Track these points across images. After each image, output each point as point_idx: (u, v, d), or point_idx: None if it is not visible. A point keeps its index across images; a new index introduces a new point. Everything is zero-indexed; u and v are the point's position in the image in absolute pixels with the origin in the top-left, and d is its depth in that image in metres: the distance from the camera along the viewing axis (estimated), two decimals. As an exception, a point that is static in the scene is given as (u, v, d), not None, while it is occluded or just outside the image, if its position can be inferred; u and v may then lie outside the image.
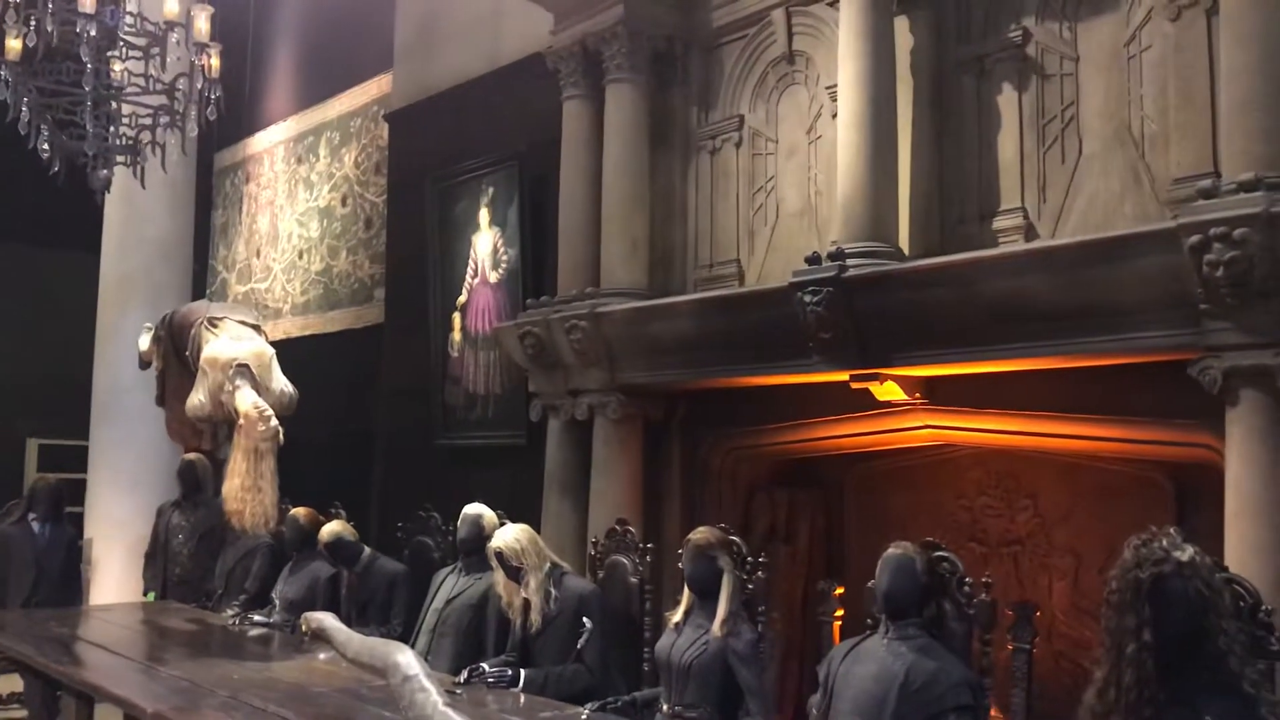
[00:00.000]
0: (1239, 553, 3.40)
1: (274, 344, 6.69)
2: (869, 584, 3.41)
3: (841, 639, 5.35)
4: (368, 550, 5.36)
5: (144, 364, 5.80)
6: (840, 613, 5.40)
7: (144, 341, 5.72)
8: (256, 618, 5.34)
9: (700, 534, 3.77)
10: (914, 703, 2.97)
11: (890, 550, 3.23)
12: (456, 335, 7.36)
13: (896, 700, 2.97)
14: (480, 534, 4.57)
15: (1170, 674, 2.45)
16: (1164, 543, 2.54)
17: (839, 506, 6.02)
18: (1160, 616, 2.45)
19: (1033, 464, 5.21)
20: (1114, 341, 3.98)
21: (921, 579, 3.18)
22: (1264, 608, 2.67)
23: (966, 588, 3.28)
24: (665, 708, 3.67)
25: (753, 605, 3.77)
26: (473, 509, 4.69)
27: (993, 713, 3.57)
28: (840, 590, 5.38)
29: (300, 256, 9.13)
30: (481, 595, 4.47)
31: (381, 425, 8.03)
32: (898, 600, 3.14)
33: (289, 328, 8.98)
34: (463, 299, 7.29)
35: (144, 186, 5.74)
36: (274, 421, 4.85)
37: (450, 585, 4.61)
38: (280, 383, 5.26)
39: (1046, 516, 5.18)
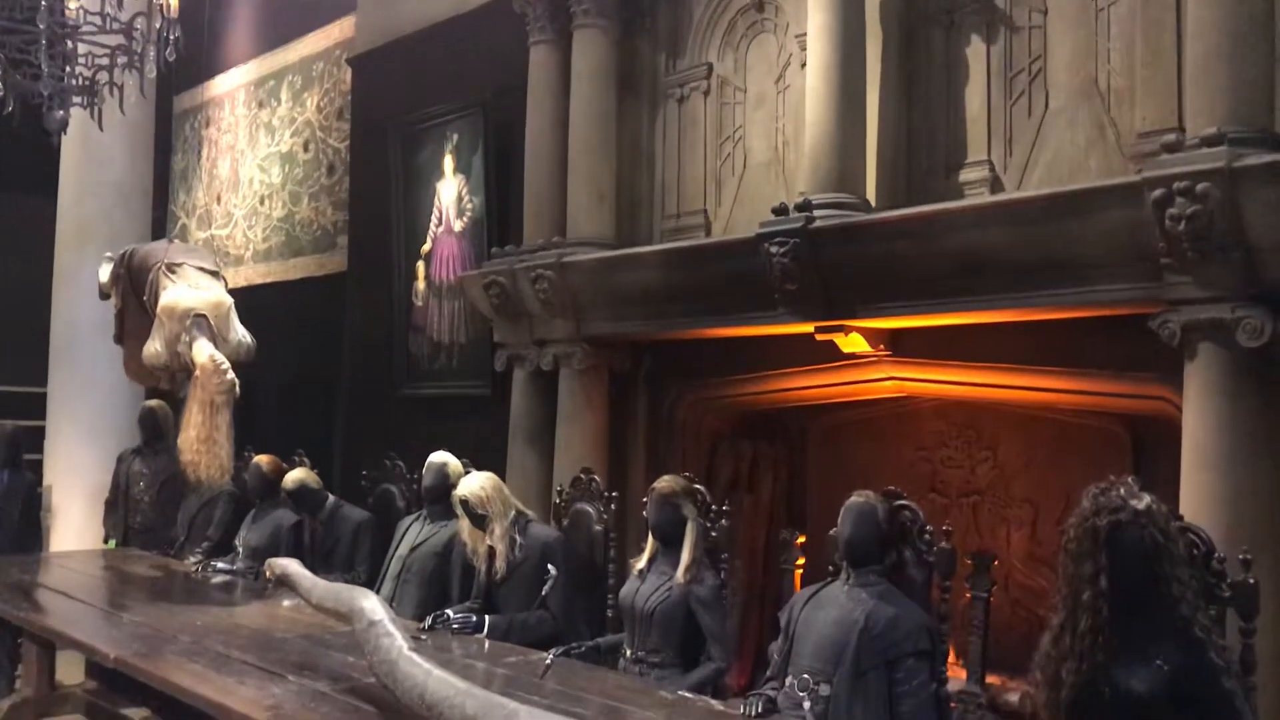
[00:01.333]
0: (1193, 502, 3.47)
1: (235, 292, 6.61)
2: (831, 532, 3.44)
3: (802, 587, 5.44)
4: (332, 498, 5.35)
5: (104, 295, 5.70)
6: (801, 562, 5.47)
7: (104, 272, 5.61)
8: (219, 565, 5.33)
9: (665, 482, 3.79)
10: (873, 647, 3.02)
11: (852, 499, 3.26)
12: (420, 284, 7.30)
13: (856, 645, 3.02)
14: (445, 482, 4.57)
15: (1124, 620, 2.50)
16: (1121, 491, 2.57)
17: (801, 458, 6.08)
18: (1116, 564, 2.49)
19: (993, 416, 5.27)
20: (1076, 294, 4.02)
21: (883, 527, 3.22)
22: (1216, 555, 2.73)
23: (927, 536, 3.33)
24: (629, 653, 3.70)
25: (716, 553, 3.81)
26: (438, 457, 4.68)
27: (950, 659, 3.63)
28: (802, 539, 5.44)
29: (261, 203, 9.00)
30: (446, 543, 4.48)
31: (345, 374, 7.98)
32: (859, 548, 3.17)
33: (250, 275, 8.88)
34: (427, 247, 7.23)
35: (101, 129, 5.61)
36: (230, 375, 4.80)
37: (415, 533, 4.61)
38: (238, 333, 5.20)
39: (1005, 468, 5.25)
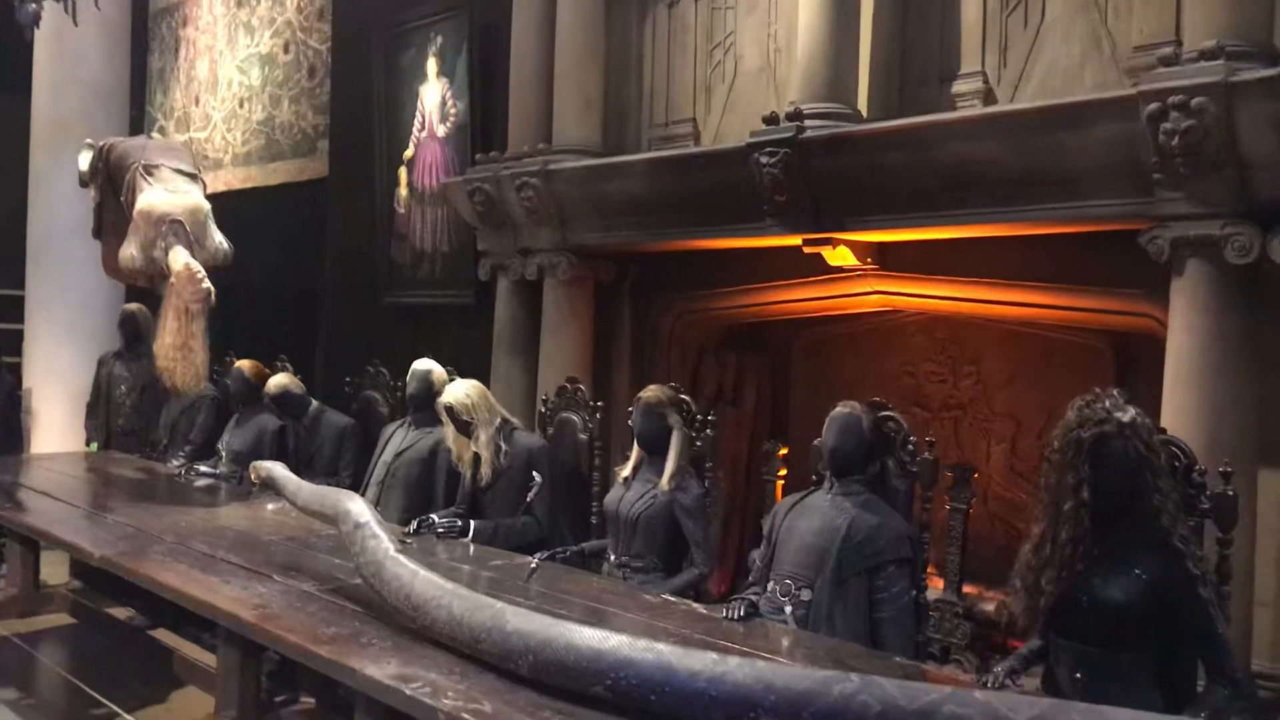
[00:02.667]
0: (1175, 416, 3.50)
1: (214, 196, 6.49)
2: (816, 441, 3.46)
3: (784, 497, 5.50)
4: (315, 403, 5.33)
5: (83, 184, 5.59)
6: (783, 473, 5.51)
7: (83, 160, 5.48)
8: (202, 469, 5.33)
9: (651, 392, 3.80)
10: (855, 555, 3.05)
11: (838, 409, 3.27)
12: (403, 190, 7.21)
13: (838, 552, 3.05)
14: (430, 389, 4.56)
15: (1104, 530, 2.53)
16: (1106, 404, 2.59)
17: (785, 371, 6.10)
18: (1099, 475, 2.52)
19: (977, 331, 5.29)
20: (1067, 209, 4.00)
21: (867, 437, 3.23)
22: (1197, 468, 2.75)
23: (910, 446, 3.35)
24: (613, 558, 3.74)
25: (700, 462, 3.83)
26: (422, 364, 4.66)
27: (928, 569, 3.68)
28: (784, 451, 5.48)
29: (241, 105, 8.82)
30: (430, 449, 4.49)
31: (326, 281, 7.91)
32: (843, 457, 3.19)
33: (230, 179, 8.74)
34: (409, 153, 7.12)
35: (75, 24, 5.48)
36: (206, 283, 4.73)
37: (399, 439, 4.61)
38: (215, 239, 5.11)
39: (988, 382, 5.28)
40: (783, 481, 5.51)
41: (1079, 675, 2.54)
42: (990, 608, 4.77)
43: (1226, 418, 3.59)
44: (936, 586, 3.80)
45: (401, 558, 2.83)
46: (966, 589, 4.04)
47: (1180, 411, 3.55)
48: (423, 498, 4.43)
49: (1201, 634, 2.50)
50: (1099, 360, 4.91)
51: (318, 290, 7.95)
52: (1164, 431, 2.80)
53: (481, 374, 5.57)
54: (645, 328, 5.99)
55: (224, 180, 8.64)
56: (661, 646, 2.27)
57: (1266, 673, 3.58)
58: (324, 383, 6.97)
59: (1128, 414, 2.56)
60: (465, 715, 2.21)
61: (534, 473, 4.04)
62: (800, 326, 5.92)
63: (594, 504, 4.29)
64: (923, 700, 2.02)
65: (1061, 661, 2.61)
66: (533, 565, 3.51)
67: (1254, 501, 3.63)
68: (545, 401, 4.66)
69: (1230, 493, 2.70)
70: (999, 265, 4.64)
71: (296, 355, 6.26)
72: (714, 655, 2.24)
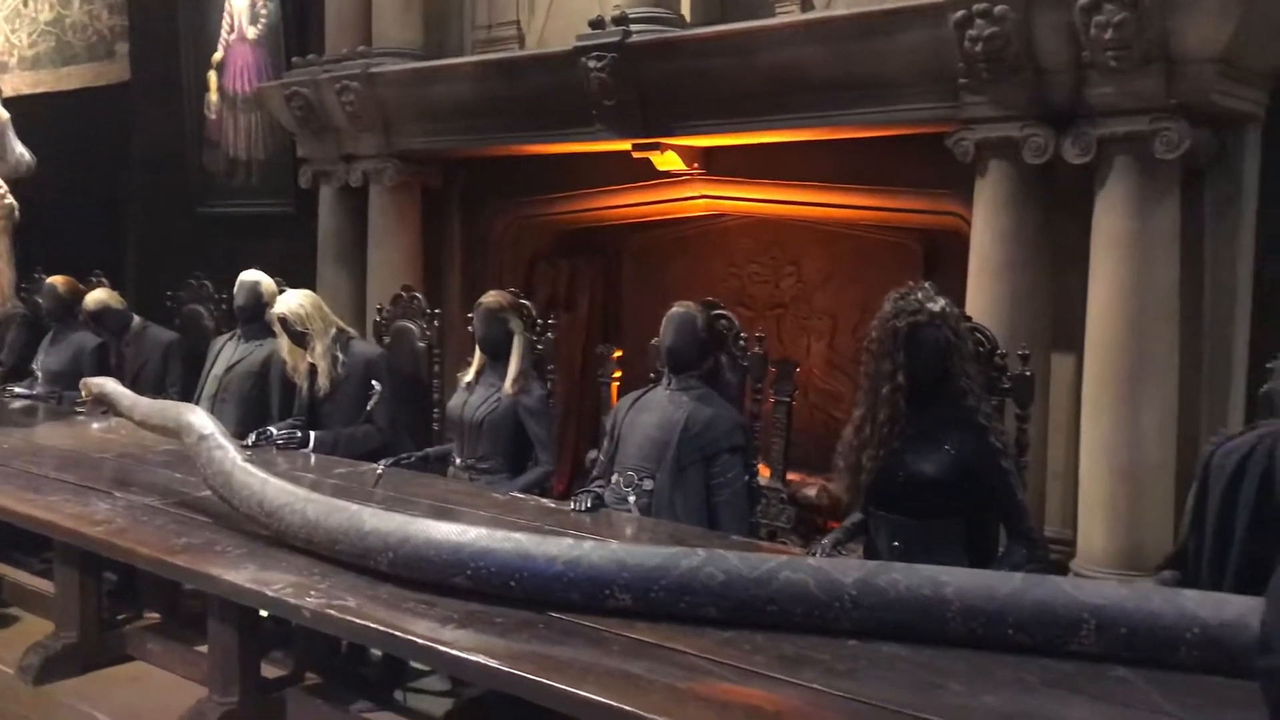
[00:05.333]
0: (979, 306, 3.79)
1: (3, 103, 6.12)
2: (653, 340, 3.59)
3: (621, 398, 5.65)
4: (137, 319, 5.15)
5: None
6: (619, 375, 5.66)
7: None
8: (17, 390, 5.10)
9: (491, 297, 3.84)
10: (693, 445, 3.22)
11: (674, 308, 3.40)
12: (213, 96, 6.92)
13: (678, 444, 3.21)
14: (259, 300, 4.47)
15: (918, 411, 2.76)
16: (918, 295, 2.79)
17: (617, 275, 6.23)
18: (913, 360, 2.73)
19: (797, 233, 5.52)
20: (881, 114, 4.21)
21: (701, 335, 3.37)
22: (999, 353, 3.01)
23: (741, 343, 3.52)
24: (458, 461, 3.81)
25: (541, 364, 3.91)
26: (249, 275, 4.56)
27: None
28: (619, 354, 5.62)
29: (25, 3, 8.22)
30: (263, 361, 4.41)
31: (134, 192, 7.56)
32: (680, 354, 3.33)
33: (17, 84, 8.15)
34: (219, 56, 6.82)
35: None
36: (9, 199, 4.48)
37: (229, 353, 4.52)
38: (16, 150, 4.82)
39: (808, 282, 5.54)
40: (618, 384, 5.67)
41: (896, 544, 2.78)
42: (812, 493, 5.08)
43: (1024, 307, 3.91)
44: (764, 474, 4.03)
45: (250, 466, 2.84)
46: (791, 476, 4.29)
47: (983, 302, 3.84)
48: (257, 411, 4.37)
49: (1003, 500, 2.77)
50: (909, 258, 5.22)
51: (124, 201, 7.58)
52: (970, 319, 3.03)
53: (306, 285, 5.45)
54: (476, 235, 6.00)
55: (10, 84, 8.06)
56: (519, 536, 2.38)
57: (1057, 537, 3.97)
58: (139, 296, 6.70)
59: (938, 304, 2.77)
60: (330, 611, 2.27)
61: (373, 381, 4.05)
62: (630, 231, 6.03)
63: (435, 410, 4.33)
64: (761, 568, 2.20)
65: (880, 532, 2.85)
66: (378, 472, 3.55)
67: (1048, 383, 3.99)
68: (381, 310, 4.64)
69: (1027, 374, 2.97)
70: (817, 169, 4.85)
71: (105, 268, 5.99)
72: (570, 540, 2.37)
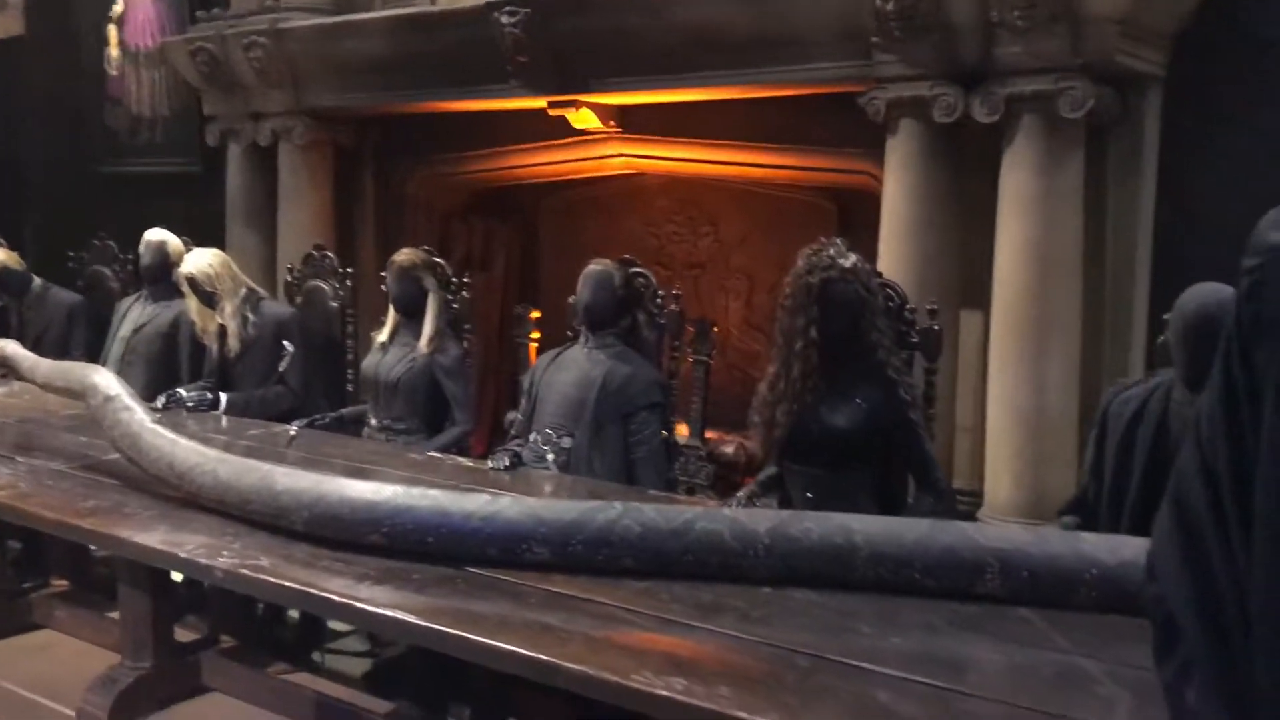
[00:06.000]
0: (890, 262, 3.86)
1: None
2: (570, 299, 3.59)
3: (538, 358, 5.64)
4: (38, 280, 4.98)
5: None
6: (536, 335, 5.65)
7: None
8: (-89, 356, 4.91)
9: (404, 255, 3.80)
10: (611, 402, 3.23)
11: (590, 266, 3.40)
12: (114, 51, 6.70)
13: (596, 401, 3.22)
14: (165, 260, 4.36)
15: (831, 365, 2.80)
16: (831, 251, 2.83)
17: (533, 234, 6.20)
18: (826, 316, 2.77)
19: (714, 192, 5.55)
20: (795, 72, 4.24)
21: (619, 292, 3.38)
22: (908, 307, 3.07)
23: (658, 300, 3.53)
24: (374, 422, 3.77)
25: (458, 323, 3.89)
26: (155, 235, 4.44)
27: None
28: (536, 314, 5.61)
29: (-90, -48, 7.85)
30: (171, 323, 4.31)
31: (29, 151, 7.29)
32: (597, 312, 3.33)
33: (-103, 37, 7.80)
34: (119, 9, 6.61)
35: None
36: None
37: (136, 314, 4.40)
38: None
39: (725, 241, 5.57)
40: (535, 344, 5.66)
41: (810, 495, 2.84)
42: (730, 450, 5.14)
43: (934, 264, 3.99)
44: (682, 433, 4.07)
45: (158, 428, 2.78)
46: (709, 434, 4.33)
47: (894, 259, 3.91)
48: (166, 373, 4.28)
49: (912, 451, 2.84)
50: (824, 217, 5.27)
51: (18, 160, 7.31)
52: (881, 275, 3.08)
53: (215, 245, 5.34)
54: (389, 194, 5.92)
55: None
56: (435, 492, 2.37)
57: (965, 490, 4.07)
58: (38, 258, 6.48)
59: (850, 260, 2.81)
60: (244, 571, 2.25)
61: (285, 342, 3.99)
62: (547, 190, 6.00)
63: (349, 371, 4.28)
64: (678, 520, 2.22)
65: (794, 484, 2.90)
66: (292, 433, 3.51)
67: (957, 339, 4.08)
68: (292, 270, 4.56)
69: (935, 328, 3.03)
70: (734, 127, 4.87)
71: (3, 231, 5.78)
72: (486, 496, 2.37)
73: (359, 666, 3.44)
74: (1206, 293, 2.22)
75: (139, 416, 2.82)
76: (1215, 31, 3.87)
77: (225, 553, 2.34)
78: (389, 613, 2.03)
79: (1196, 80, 3.92)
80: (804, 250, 2.88)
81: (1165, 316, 2.66)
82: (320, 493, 2.42)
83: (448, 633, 1.94)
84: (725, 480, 4.91)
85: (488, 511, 2.29)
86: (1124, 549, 2.03)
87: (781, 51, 4.22)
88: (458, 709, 3.03)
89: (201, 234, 5.15)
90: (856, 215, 5.05)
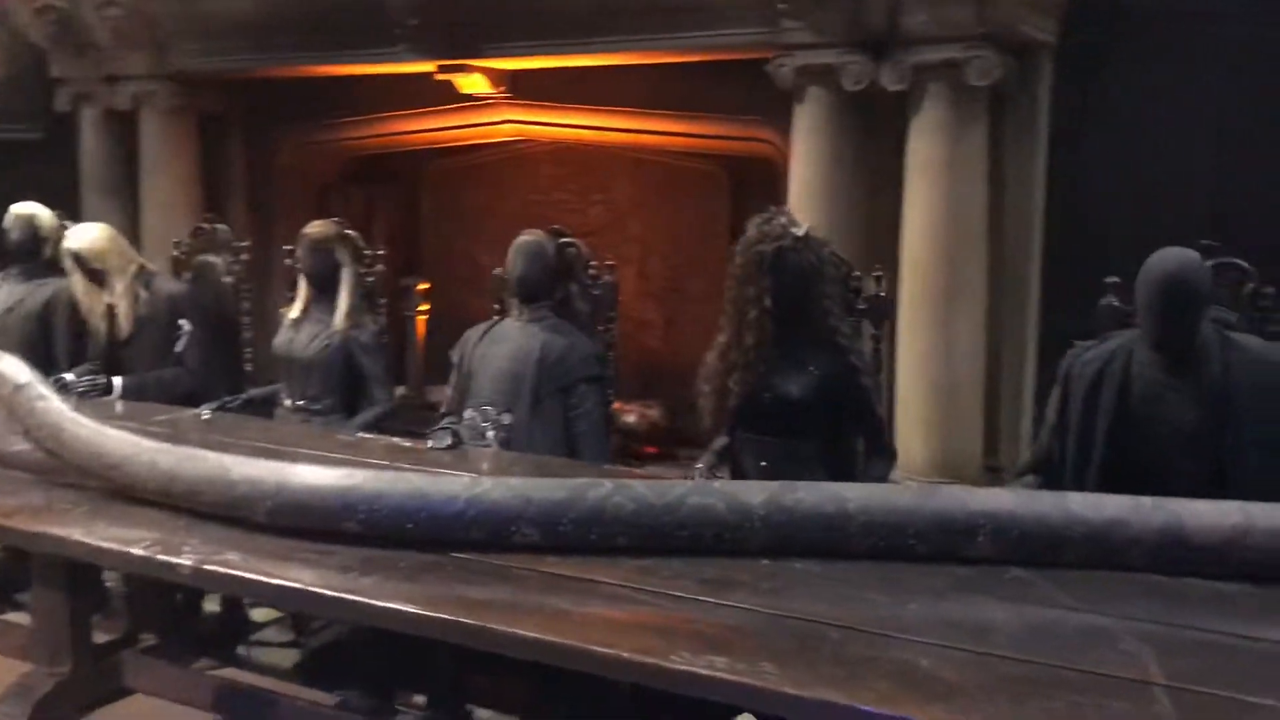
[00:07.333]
0: (802, 232, 3.88)
1: None
2: (496, 270, 3.50)
3: (427, 334, 5.50)
4: None
5: None
6: (425, 308, 5.51)
7: None
8: None
9: (317, 227, 3.62)
10: (549, 376, 3.16)
11: (521, 237, 3.30)
12: (-61, 6, 6.14)
13: (534, 375, 3.14)
14: (35, 236, 4.03)
15: (783, 334, 2.81)
16: (782, 220, 2.83)
17: (415, 204, 6.02)
18: (778, 284, 2.77)
19: (604, 159, 5.50)
20: (699, 38, 4.22)
21: (552, 263, 3.30)
22: (854, 274, 3.10)
23: (591, 270, 3.47)
24: (288, 402, 3.59)
25: (373, 297, 3.73)
26: (24, 208, 4.09)
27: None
28: (425, 286, 5.46)
29: None
30: (44, 304, 3.98)
31: None
32: (531, 284, 3.25)
33: None
34: (-55, -38, 6.05)
35: None
36: None
37: (4, 295, 4.05)
38: None
39: (617, 209, 5.53)
40: (424, 317, 5.52)
41: (764, 464, 2.85)
42: (632, 419, 5.14)
43: (843, 231, 4.03)
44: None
45: (80, 417, 2.58)
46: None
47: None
48: (42, 358, 3.93)
49: (864, 417, 2.88)
50: (716, 185, 5.30)
51: None
52: (828, 243, 3.10)
53: (68, 218, 5.00)
54: (260, 163, 5.65)
55: None
56: (410, 476, 2.28)
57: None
58: None
59: (801, 229, 2.82)
60: (214, 568, 2.11)
61: (181, 321, 3.76)
62: (428, 158, 5.84)
63: (248, 349, 4.06)
64: (670, 495, 2.19)
65: (747, 453, 2.91)
66: (204, 417, 3.31)
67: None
68: (179, 244, 4.30)
69: (881, 294, 3.08)
70: (630, 94, 4.82)
71: None
72: (468, 478, 2.29)
73: (286, 658, 3.30)
74: (1173, 257, 2.32)
75: (57, 405, 2.61)
76: (1102, 1, 4.05)
77: (185, 548, 2.19)
78: (391, 605, 1.94)
79: (1085, 49, 4.10)
80: (754, 219, 2.87)
81: (1107, 280, 2.77)
82: (283, 481, 2.29)
83: (466, 623, 1.86)
84: (627, 450, 4.91)
85: (472, 493, 2.21)
86: (1107, 507, 2.11)
87: (687, 18, 4.20)
88: (406, 696, 2.95)
89: (51, 206, 4.78)
90: (752, 184, 5.10)
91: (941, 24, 3.79)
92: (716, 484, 2.32)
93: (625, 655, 1.74)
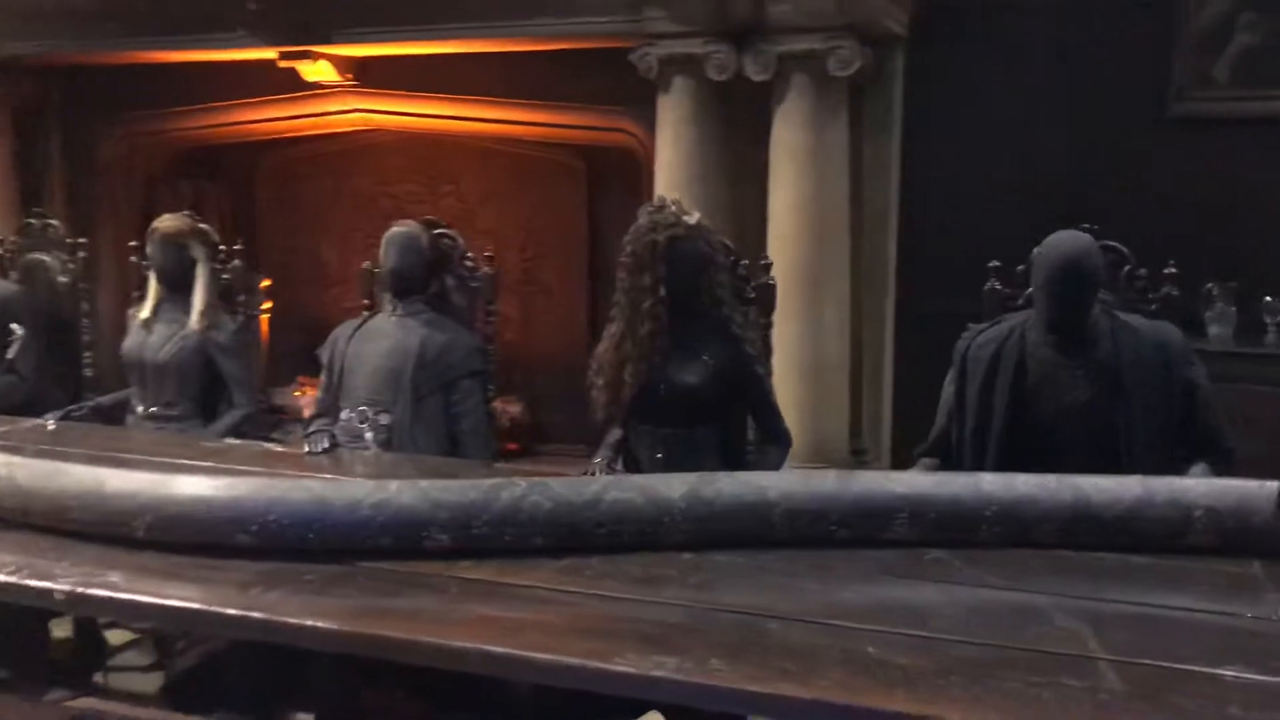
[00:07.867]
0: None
1: None
2: (365, 264, 3.34)
3: (270, 333, 5.24)
4: None
5: None
6: (268, 306, 5.25)
7: None
8: None
9: (168, 222, 3.36)
10: (429, 373, 3.02)
11: (394, 229, 3.15)
12: None
13: (413, 372, 2.99)
14: None
15: (675, 323, 2.77)
16: (674, 209, 2.79)
17: (249, 197, 5.73)
18: (672, 273, 2.73)
19: (453, 150, 5.35)
20: (559, 25, 4.16)
21: (427, 255, 3.17)
22: (742, 263, 3.08)
23: (468, 263, 3.35)
24: (140, 409, 3.34)
25: (230, 295, 3.51)
26: None
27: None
28: (266, 283, 5.20)
29: None
30: None
31: None
32: (406, 277, 3.10)
33: None
34: None
35: None
36: None
37: None
38: None
39: (468, 201, 5.40)
40: (269, 315, 5.25)
41: (660, 454, 2.80)
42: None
43: (709, 220, 4.03)
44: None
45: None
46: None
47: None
48: None
49: (758, 405, 2.87)
50: (571, 174, 5.23)
51: None
52: (718, 232, 3.07)
53: None
54: (80, 155, 5.29)
55: None
56: (310, 483, 2.14)
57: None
58: None
59: (694, 217, 2.79)
60: (95, 591, 1.92)
61: (12, 325, 3.46)
62: (263, 149, 5.56)
63: (86, 354, 3.77)
64: (588, 491, 2.12)
65: (642, 445, 2.85)
66: (50, 427, 3.05)
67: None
68: (4, 242, 3.95)
69: (770, 282, 3.07)
70: (483, 82, 4.72)
71: None
72: (372, 483, 2.16)
73: (150, 683, 3.07)
74: (1067, 240, 2.38)
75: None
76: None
77: (58, 570, 1.99)
78: (307, 622, 1.80)
79: (935, 40, 4.22)
80: (644, 208, 2.82)
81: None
82: (164, 493, 2.12)
83: (391, 638, 1.75)
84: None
85: (377, 499, 2.08)
86: (1018, 486, 2.15)
87: (547, 5, 4.13)
88: (290, 716, 2.78)
89: None
90: (608, 174, 5.06)
91: (804, 14, 3.84)
92: (635, 478, 2.25)
93: (570, 661, 1.66)
